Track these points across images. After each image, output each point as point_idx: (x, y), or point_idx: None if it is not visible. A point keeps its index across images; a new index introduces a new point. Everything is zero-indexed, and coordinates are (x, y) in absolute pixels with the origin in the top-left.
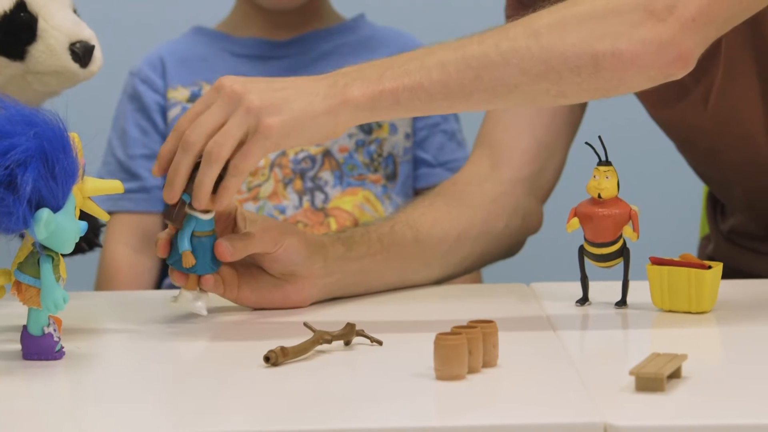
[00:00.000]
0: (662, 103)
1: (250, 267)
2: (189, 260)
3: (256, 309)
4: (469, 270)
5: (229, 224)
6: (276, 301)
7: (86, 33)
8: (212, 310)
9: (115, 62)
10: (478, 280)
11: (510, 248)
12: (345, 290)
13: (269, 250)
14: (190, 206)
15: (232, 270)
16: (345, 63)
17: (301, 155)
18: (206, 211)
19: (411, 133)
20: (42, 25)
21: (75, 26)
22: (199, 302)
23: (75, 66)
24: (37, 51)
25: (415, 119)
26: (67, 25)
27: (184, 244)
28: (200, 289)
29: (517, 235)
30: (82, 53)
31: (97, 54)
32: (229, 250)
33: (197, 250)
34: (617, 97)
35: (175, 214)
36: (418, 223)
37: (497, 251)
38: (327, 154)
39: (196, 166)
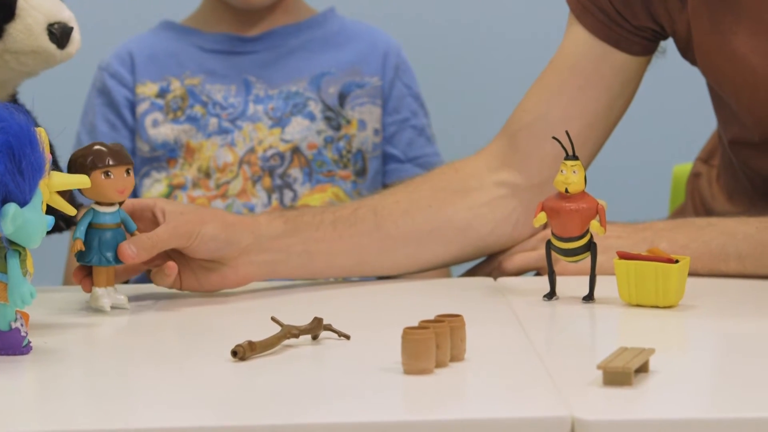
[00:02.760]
0: None
1: (184, 254)
2: (76, 246)
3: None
4: (443, 266)
5: (147, 219)
6: (216, 284)
7: (65, 14)
8: (178, 304)
9: (83, 56)
10: (446, 274)
11: (492, 250)
12: (293, 271)
13: (184, 244)
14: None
15: (170, 260)
16: (314, 58)
17: (270, 152)
18: (107, 204)
19: (380, 128)
20: (21, 4)
21: (54, 7)
22: (104, 299)
23: (52, 47)
24: (15, 30)
25: (384, 114)
26: (46, 6)
27: (77, 233)
28: (114, 287)
29: (504, 241)
30: (59, 34)
31: (76, 36)
32: (130, 252)
33: (92, 240)
34: None
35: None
36: (387, 210)
37: (476, 253)
38: (296, 151)
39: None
